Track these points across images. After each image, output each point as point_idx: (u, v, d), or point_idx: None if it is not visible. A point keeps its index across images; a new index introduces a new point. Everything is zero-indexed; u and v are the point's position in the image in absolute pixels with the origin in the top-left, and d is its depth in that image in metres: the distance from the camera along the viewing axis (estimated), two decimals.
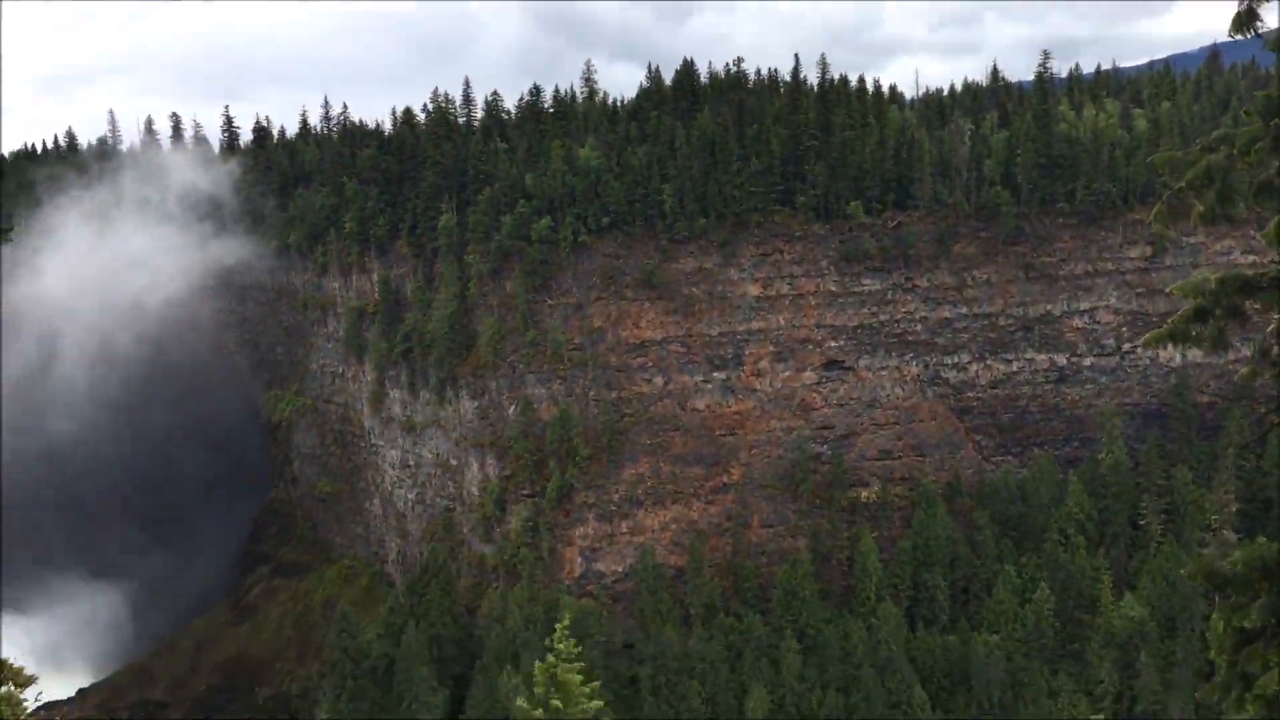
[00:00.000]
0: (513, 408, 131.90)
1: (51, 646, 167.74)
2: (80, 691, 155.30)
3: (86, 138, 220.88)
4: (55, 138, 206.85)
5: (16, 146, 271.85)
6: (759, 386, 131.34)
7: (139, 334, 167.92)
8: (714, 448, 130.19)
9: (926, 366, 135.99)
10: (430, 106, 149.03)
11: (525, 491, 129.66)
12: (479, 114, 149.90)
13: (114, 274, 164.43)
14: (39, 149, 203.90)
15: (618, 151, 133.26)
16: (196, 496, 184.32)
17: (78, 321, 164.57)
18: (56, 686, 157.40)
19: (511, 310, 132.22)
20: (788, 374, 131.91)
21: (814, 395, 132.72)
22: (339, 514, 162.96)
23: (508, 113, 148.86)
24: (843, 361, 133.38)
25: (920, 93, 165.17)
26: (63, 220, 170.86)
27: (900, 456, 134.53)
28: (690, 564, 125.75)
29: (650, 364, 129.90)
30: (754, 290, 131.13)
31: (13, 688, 9.19)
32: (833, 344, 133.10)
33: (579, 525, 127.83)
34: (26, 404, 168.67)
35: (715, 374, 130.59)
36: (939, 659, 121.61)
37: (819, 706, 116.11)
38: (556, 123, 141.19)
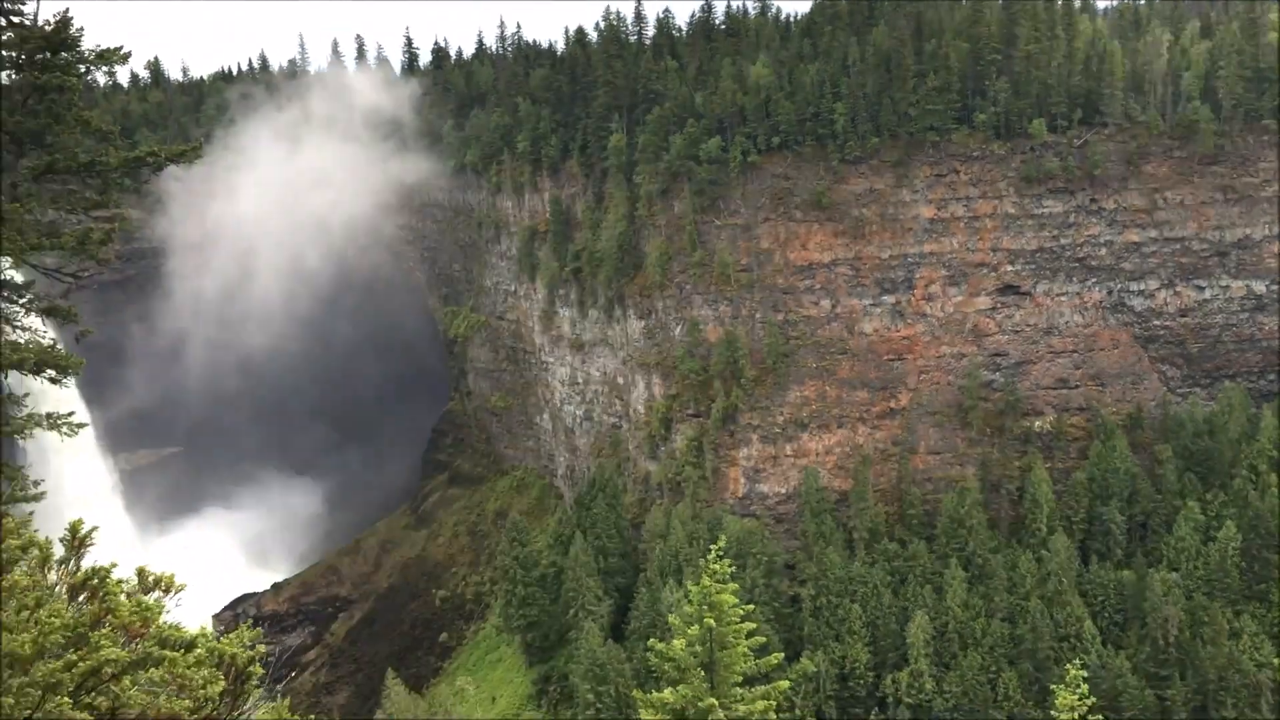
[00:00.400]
0: (679, 328, 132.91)
1: (256, 539, 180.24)
2: (274, 585, 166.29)
3: (278, 59, 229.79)
4: (249, 59, 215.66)
5: (214, 69, 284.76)
6: (930, 311, 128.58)
7: (326, 250, 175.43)
8: (881, 373, 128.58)
9: (1110, 293, 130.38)
10: (602, 25, 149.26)
11: (690, 411, 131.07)
12: (650, 32, 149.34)
13: (302, 192, 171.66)
14: (234, 70, 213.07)
15: (789, 69, 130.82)
16: (381, 405, 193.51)
17: (270, 239, 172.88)
18: (258, 579, 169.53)
19: (679, 231, 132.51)
20: (960, 299, 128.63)
21: (988, 321, 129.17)
22: (511, 427, 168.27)
23: (679, 30, 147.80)
24: (1019, 286, 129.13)
25: (1113, 1, 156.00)
26: (254, 139, 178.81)
27: (1078, 386, 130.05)
28: (854, 488, 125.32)
29: (818, 286, 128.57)
30: (927, 212, 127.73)
31: (160, 594, 10.09)
32: (1009, 268, 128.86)
33: (743, 446, 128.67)
34: (224, 319, 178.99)
35: (884, 298, 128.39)
36: (1112, 594, 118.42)
37: (983, 635, 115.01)
38: (728, 40, 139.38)
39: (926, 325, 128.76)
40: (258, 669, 9.29)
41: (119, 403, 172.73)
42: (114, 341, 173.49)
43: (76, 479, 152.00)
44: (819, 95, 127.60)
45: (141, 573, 10.06)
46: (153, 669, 8.22)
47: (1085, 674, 25.28)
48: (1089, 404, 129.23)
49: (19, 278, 29.03)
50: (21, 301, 26.68)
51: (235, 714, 9.07)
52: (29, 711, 7.29)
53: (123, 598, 9.18)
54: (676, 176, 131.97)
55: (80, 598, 8.84)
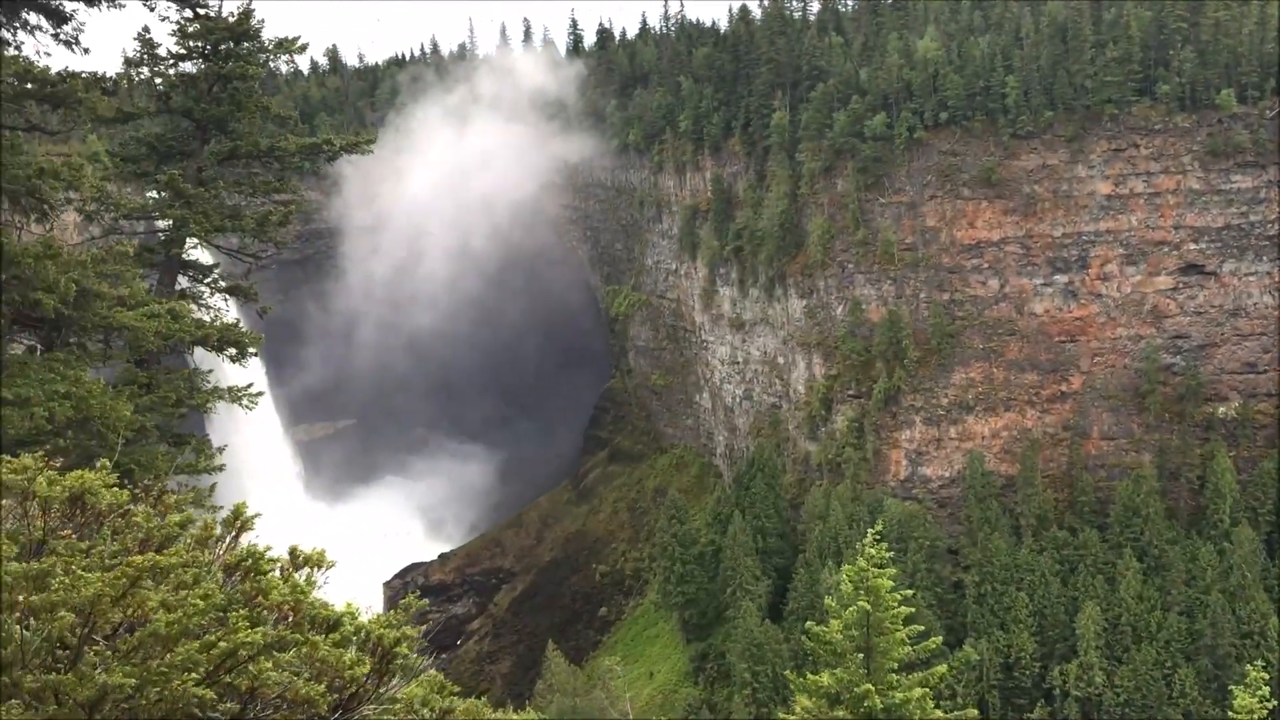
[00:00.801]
0: (841, 308, 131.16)
1: (427, 510, 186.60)
2: (441, 556, 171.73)
3: (448, 44, 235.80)
4: (421, 45, 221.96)
5: (388, 55, 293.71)
6: (1105, 291, 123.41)
7: (492, 230, 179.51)
8: (1052, 354, 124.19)
9: None
10: (766, 2, 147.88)
11: (851, 392, 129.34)
12: (815, 8, 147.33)
13: (469, 173, 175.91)
14: (406, 56, 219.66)
15: (958, 42, 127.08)
16: (544, 382, 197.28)
17: (439, 220, 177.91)
18: (427, 548, 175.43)
19: (842, 209, 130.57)
20: (1138, 278, 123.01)
21: (1168, 302, 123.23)
22: (670, 405, 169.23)
23: (845, 5, 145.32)
24: (1203, 266, 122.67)
25: None
26: (423, 123, 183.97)
27: (1266, 370, 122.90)
28: (1022, 473, 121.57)
29: (986, 265, 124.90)
30: (1104, 188, 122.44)
31: (312, 571, 10.43)
32: (1192, 246, 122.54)
33: (905, 428, 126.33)
34: (394, 298, 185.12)
35: (1056, 277, 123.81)
36: None
37: (1158, 629, 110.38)
38: (894, 14, 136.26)
39: (1101, 306, 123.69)
40: (404, 649, 9.57)
41: (296, 378, 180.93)
42: (291, 319, 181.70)
43: (257, 450, 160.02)
44: (989, 68, 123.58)
45: (294, 551, 10.49)
46: (291, 651, 8.56)
47: (1267, 675, 24.02)
48: (1278, 389, 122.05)
49: (205, 258, 30.70)
50: (206, 281, 28.23)
51: (380, 692, 9.36)
52: (159, 689, 7.65)
53: (276, 575, 9.59)
54: (840, 154, 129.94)
55: (235, 577, 9.28)
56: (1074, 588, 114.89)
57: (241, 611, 8.22)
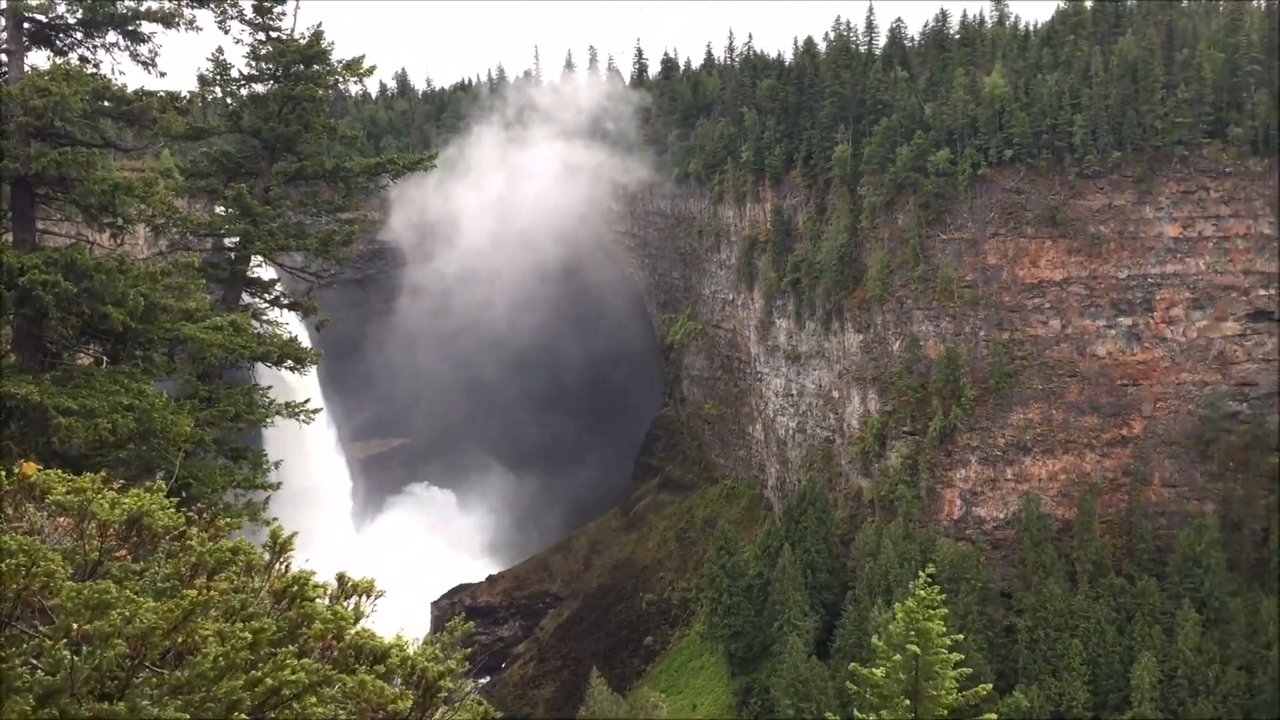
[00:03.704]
0: (898, 343, 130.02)
1: (477, 531, 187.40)
2: (489, 578, 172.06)
3: (514, 70, 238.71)
4: (488, 70, 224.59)
5: (455, 79, 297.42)
6: (1170, 335, 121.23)
7: (552, 255, 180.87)
8: (1113, 398, 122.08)
9: None
10: (832, 35, 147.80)
11: (906, 429, 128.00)
12: (881, 41, 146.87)
13: (530, 197, 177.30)
14: (473, 80, 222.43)
15: (1026, 79, 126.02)
16: (599, 408, 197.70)
17: (499, 243, 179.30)
18: (475, 569, 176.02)
19: (902, 244, 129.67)
20: (1205, 323, 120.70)
21: (1235, 348, 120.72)
22: (723, 436, 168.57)
23: (911, 40, 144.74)
24: (1272, 312, 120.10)
25: None
26: (487, 147, 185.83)
27: None
28: (1079, 518, 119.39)
29: (1047, 305, 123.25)
30: (1171, 231, 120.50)
31: (360, 599, 10.43)
32: (1262, 292, 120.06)
33: (960, 467, 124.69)
34: (453, 320, 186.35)
35: (1120, 319, 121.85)
36: None
37: (1216, 683, 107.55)
38: (962, 50, 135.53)
39: (1166, 350, 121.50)
40: (448, 684, 9.48)
41: (355, 395, 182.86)
42: (351, 337, 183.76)
43: (313, 465, 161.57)
44: (1057, 106, 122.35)
45: (341, 578, 10.46)
46: (336, 687, 8.49)
47: None
48: None
49: (268, 275, 31.10)
50: (269, 298, 28.60)
51: None
52: None
53: (320, 603, 9.56)
54: (901, 188, 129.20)
55: (281, 603, 9.24)
56: (1130, 637, 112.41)
57: (290, 648, 8.16)
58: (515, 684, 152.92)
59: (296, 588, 9.19)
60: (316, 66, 27.81)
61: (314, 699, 8.13)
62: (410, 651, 9.81)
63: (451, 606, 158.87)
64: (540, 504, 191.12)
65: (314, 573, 10.08)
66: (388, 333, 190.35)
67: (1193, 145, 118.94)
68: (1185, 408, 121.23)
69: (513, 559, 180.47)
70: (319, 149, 28.66)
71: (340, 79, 28.10)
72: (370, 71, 27.83)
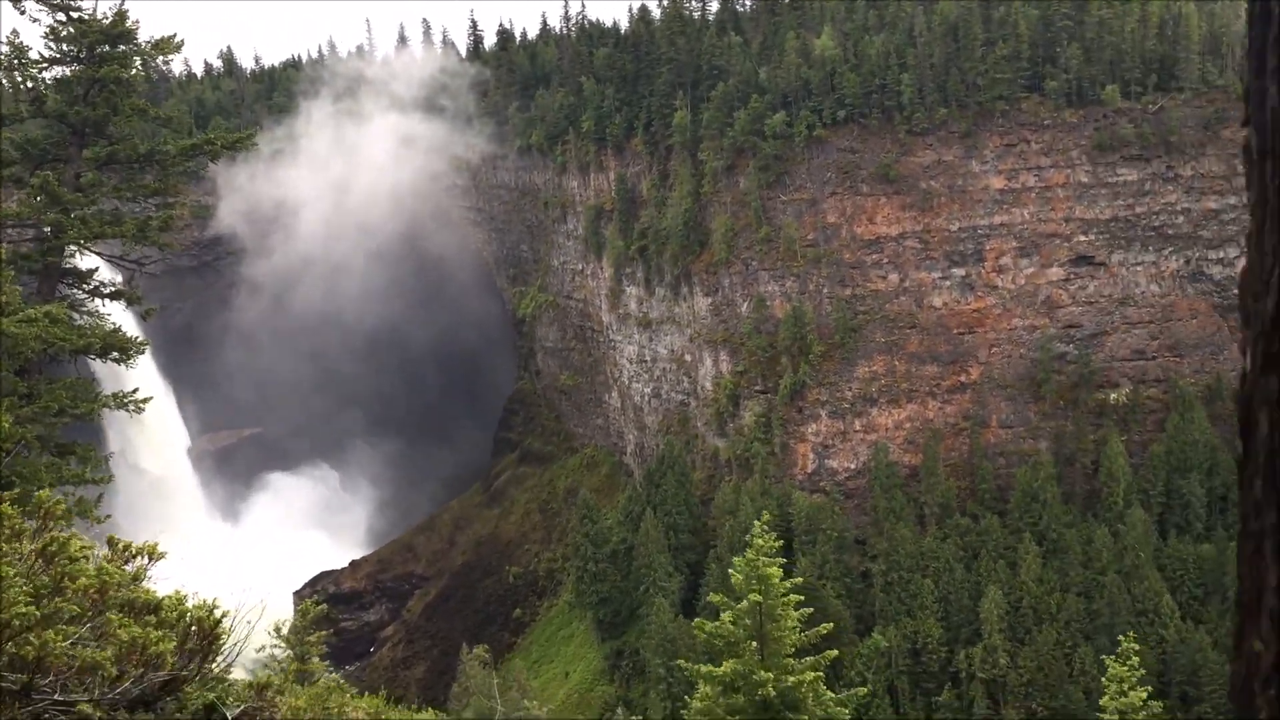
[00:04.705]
0: (746, 304, 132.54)
1: (335, 516, 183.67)
2: (352, 563, 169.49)
3: (345, 46, 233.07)
4: (318, 46, 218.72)
5: (285, 57, 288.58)
6: (1001, 284, 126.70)
7: (396, 232, 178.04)
8: (951, 346, 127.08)
9: (1187, 262, 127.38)
10: (665, 2, 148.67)
11: (758, 388, 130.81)
12: (714, 7, 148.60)
13: (369, 175, 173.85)
14: (303, 57, 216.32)
15: (854, 41, 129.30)
16: (453, 385, 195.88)
17: (340, 223, 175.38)
18: (336, 556, 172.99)
19: (744, 207, 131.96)
20: (1032, 270, 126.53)
21: (1060, 292, 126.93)
22: (580, 405, 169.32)
23: (743, 5, 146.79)
24: (1093, 257, 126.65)
25: None
26: (321, 126, 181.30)
27: (1155, 357, 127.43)
28: (925, 463, 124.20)
29: (886, 260, 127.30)
30: (997, 183, 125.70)
31: (144, 561, 10.56)
32: (1082, 238, 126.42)
33: (811, 422, 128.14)
34: (298, 303, 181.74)
35: (954, 270, 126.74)
36: (1191, 568, 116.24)
37: (1058, 610, 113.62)
38: (792, 14, 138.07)
39: (998, 298, 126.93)
40: (227, 629, 9.67)
41: (199, 385, 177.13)
42: (192, 326, 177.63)
43: (159, 459, 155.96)
44: (885, 66, 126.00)
45: (112, 540, 10.51)
46: (86, 626, 8.62)
47: (1137, 645, 25.02)
48: (1166, 375, 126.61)
49: (87, 264, 30.03)
50: (87, 288, 27.64)
51: (205, 671, 9.43)
52: None
53: (86, 564, 9.61)
54: (741, 152, 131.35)
55: (39, 565, 9.29)
56: (977, 573, 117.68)
57: (23, 586, 8.24)
58: (385, 667, 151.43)
59: (56, 548, 9.22)
60: (123, 46, 26.84)
61: (54, 634, 8.22)
62: (189, 605, 9.95)
63: (315, 595, 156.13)
64: (405, 487, 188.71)
65: (77, 534, 10.10)
66: (231, 321, 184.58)
67: (1013, 100, 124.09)
68: (1018, 352, 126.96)
69: (376, 543, 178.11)
70: (131, 132, 27.72)
71: (148, 59, 27.20)
72: (179, 47, 26.97)
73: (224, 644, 9.71)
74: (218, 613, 9.68)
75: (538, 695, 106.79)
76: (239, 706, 9.60)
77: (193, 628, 9.53)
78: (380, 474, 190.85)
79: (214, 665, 9.62)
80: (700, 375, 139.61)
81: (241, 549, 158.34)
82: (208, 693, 9.37)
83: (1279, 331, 3.28)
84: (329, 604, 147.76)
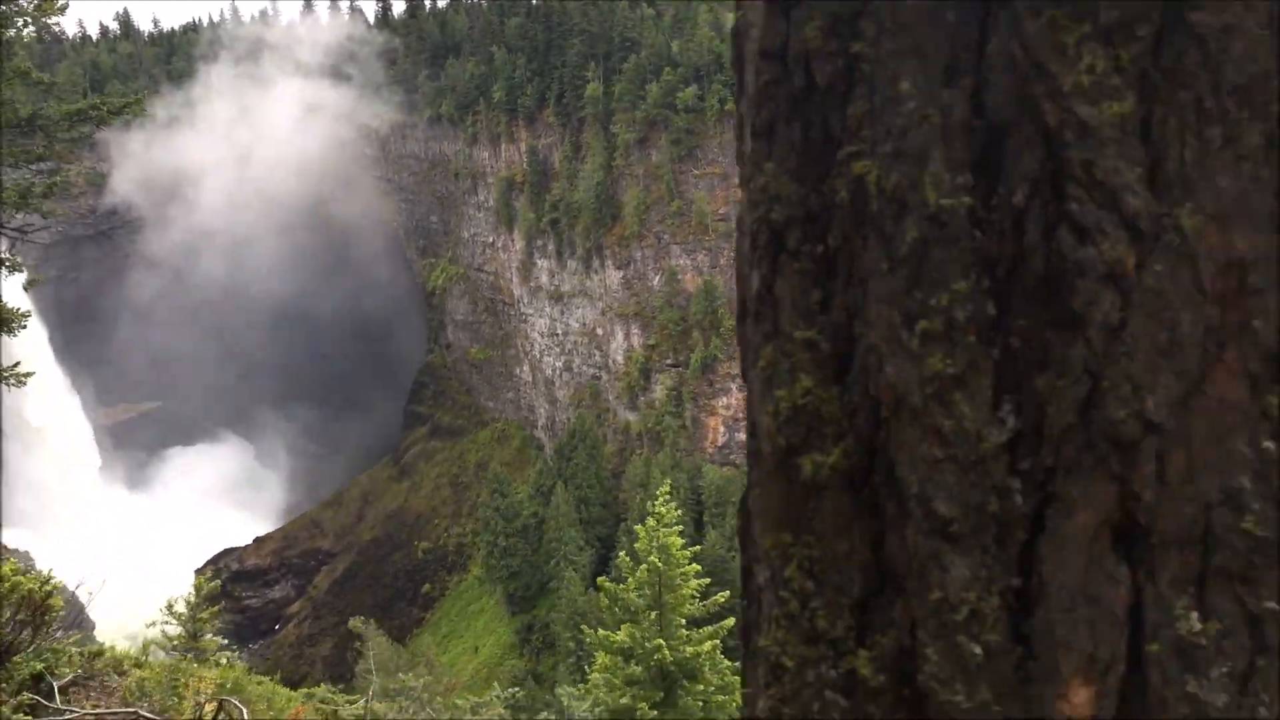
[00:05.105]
0: (657, 278, 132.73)
1: (237, 492, 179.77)
2: (256, 539, 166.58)
3: (249, 10, 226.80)
4: (220, 10, 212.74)
5: (185, 20, 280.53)
6: None
7: (303, 203, 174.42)
8: None
9: None
10: None
11: (669, 361, 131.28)
12: None
13: (275, 144, 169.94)
14: (204, 21, 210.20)
15: None
16: (361, 359, 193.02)
17: (245, 193, 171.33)
18: (239, 533, 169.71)
19: (657, 180, 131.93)
20: None
21: None
22: (491, 379, 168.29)
23: None
24: None
25: None
26: (222, 92, 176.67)
27: None
28: None
29: None
30: None
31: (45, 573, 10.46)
32: None
33: (722, 395, 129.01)
34: (200, 274, 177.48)
35: None
36: None
37: None
38: None
39: None
40: (58, 601, 9.44)
41: (97, 358, 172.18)
42: (88, 298, 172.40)
43: (54, 433, 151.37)
44: None
45: None
46: None
47: None
48: None
49: None
50: None
51: (37, 642, 9.19)
52: None
53: None
54: (654, 125, 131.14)
55: None
56: None
57: None
58: (291, 644, 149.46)
59: None
60: (3, 6, 25.63)
61: None
62: (21, 579, 9.66)
63: (217, 573, 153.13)
64: (307, 460, 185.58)
65: None
66: (129, 292, 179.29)
67: None
68: None
69: (281, 519, 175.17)
70: (13, 96, 26.47)
71: (31, 18, 25.97)
72: (63, 9, 25.79)
73: (56, 615, 9.48)
74: (48, 586, 9.40)
75: (446, 671, 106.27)
76: (69, 675, 9.35)
77: (23, 601, 9.25)
78: (295, 444, 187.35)
79: (45, 636, 9.40)
80: (612, 349, 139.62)
81: (138, 525, 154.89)
82: (37, 662, 9.12)
83: None
84: (232, 581, 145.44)
